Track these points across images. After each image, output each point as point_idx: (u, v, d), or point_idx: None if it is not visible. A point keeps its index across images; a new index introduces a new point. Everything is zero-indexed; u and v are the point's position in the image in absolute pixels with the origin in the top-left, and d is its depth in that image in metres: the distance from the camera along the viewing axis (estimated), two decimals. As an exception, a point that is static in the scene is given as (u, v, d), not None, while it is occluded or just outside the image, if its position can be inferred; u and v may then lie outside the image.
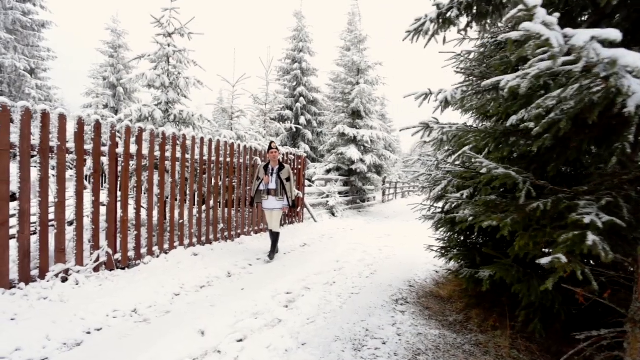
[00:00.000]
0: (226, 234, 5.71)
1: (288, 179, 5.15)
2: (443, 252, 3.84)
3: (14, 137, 3.02)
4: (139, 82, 5.84)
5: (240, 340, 2.59)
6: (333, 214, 10.83)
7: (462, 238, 3.65)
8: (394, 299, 3.70)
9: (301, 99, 16.02)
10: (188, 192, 4.92)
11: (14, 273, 3.07)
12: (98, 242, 3.75)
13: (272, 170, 5.12)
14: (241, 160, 6.00)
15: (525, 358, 2.48)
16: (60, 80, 20.79)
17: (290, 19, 17.61)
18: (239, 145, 5.92)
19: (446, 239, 3.89)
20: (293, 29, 17.05)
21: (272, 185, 5.06)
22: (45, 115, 3.21)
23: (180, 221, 4.83)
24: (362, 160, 12.26)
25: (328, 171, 12.86)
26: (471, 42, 3.61)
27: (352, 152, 12.00)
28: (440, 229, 3.75)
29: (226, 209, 5.73)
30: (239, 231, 6.03)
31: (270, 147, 5.12)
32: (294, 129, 14.74)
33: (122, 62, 20.18)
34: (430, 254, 4.19)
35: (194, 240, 5.08)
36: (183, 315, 3.00)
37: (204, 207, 5.23)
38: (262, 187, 5.11)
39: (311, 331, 2.81)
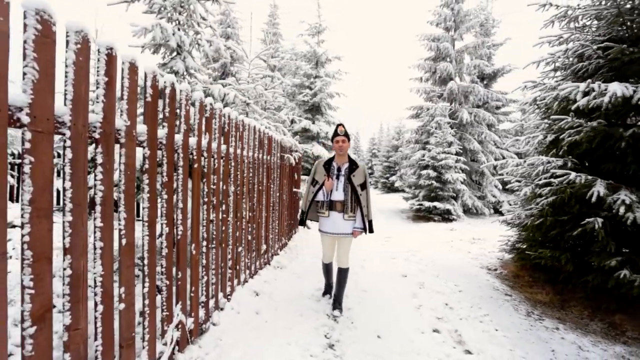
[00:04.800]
0: (265, 256, 4.20)
1: (363, 186, 3.16)
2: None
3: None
4: None
5: None
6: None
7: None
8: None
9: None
10: (245, 205, 3.32)
11: None
12: (172, 310, 2.05)
13: (339, 170, 3.19)
14: (274, 159, 4.52)
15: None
16: None
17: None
18: (270, 139, 4.41)
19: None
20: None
21: (339, 195, 3.12)
22: (111, 59, 1.47)
23: (239, 248, 3.23)
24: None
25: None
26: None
27: (318, 149, 11.09)
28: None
29: (263, 224, 4.21)
30: (272, 251, 4.55)
31: (336, 133, 3.14)
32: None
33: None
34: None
35: (247, 272, 3.50)
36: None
37: (245, 224, 3.67)
38: (320, 197, 3.21)
39: None
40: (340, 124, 3.15)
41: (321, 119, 11.80)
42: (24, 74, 1.11)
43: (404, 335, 2.87)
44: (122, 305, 1.60)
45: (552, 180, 3.58)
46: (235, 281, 3.17)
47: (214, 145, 2.56)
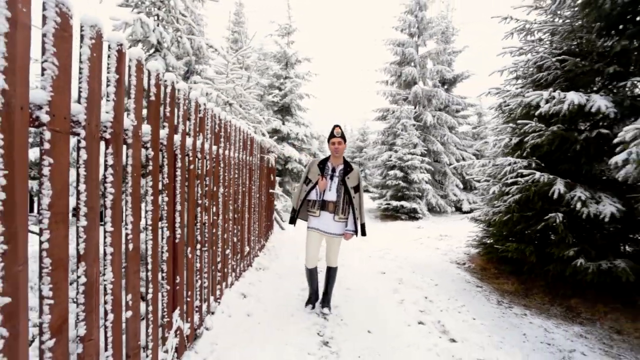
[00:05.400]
0: (248, 258, 4.15)
1: (357, 189, 3.15)
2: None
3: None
4: None
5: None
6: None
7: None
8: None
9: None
10: (231, 207, 3.26)
11: None
12: (172, 316, 1.98)
13: (334, 171, 3.17)
14: (254, 160, 4.46)
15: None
16: None
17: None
18: (252, 140, 4.35)
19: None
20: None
21: (332, 196, 3.10)
22: (121, 55, 1.41)
23: (227, 251, 3.16)
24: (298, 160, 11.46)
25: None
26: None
27: (289, 150, 11.06)
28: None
29: (246, 226, 4.15)
30: (253, 252, 4.50)
31: (332, 134, 3.11)
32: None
33: None
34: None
35: (233, 275, 3.44)
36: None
37: (232, 226, 3.61)
38: (313, 197, 3.19)
39: None
40: (337, 125, 3.12)
41: (291, 120, 11.80)
42: (43, 69, 1.04)
43: (393, 329, 2.99)
44: (130, 313, 1.53)
45: (518, 179, 3.91)
46: (224, 284, 3.11)
47: (207, 146, 2.50)
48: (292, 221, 3.28)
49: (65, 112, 1.12)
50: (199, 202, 2.40)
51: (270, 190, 6.27)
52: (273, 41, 11.46)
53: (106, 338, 1.38)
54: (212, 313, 2.76)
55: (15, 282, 0.93)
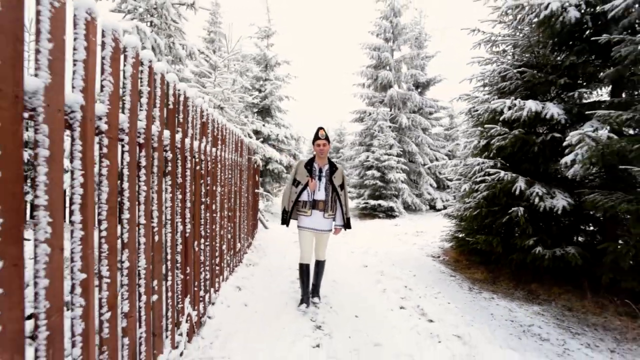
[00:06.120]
0: (239, 255, 4.34)
1: (342, 186, 3.42)
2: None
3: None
4: None
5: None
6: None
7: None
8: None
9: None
10: (226, 204, 3.46)
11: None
12: (184, 303, 2.18)
13: (320, 171, 3.38)
14: (243, 161, 4.67)
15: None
16: None
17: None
18: (242, 142, 4.56)
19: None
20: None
21: (321, 195, 3.32)
22: (151, 70, 1.62)
23: (224, 246, 3.36)
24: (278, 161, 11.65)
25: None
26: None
27: (269, 151, 11.23)
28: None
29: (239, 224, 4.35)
30: (243, 249, 4.69)
31: (317, 136, 3.31)
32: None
33: None
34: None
35: (228, 269, 3.64)
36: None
37: (227, 223, 3.80)
38: (304, 197, 3.35)
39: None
40: (321, 128, 3.30)
41: (271, 122, 11.96)
42: (102, 86, 1.25)
43: (377, 313, 3.31)
44: (155, 297, 1.74)
45: (486, 177, 4.36)
46: (221, 277, 3.31)
47: (208, 148, 2.71)
48: (285, 222, 3.37)
49: (116, 121, 1.33)
50: (203, 200, 2.60)
51: (256, 190, 6.46)
52: (253, 43, 11.57)
53: (140, 317, 1.59)
54: (213, 304, 2.96)
55: (87, 262, 1.14)
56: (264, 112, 12.02)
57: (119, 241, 1.42)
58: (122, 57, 1.37)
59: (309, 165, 3.36)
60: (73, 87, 1.09)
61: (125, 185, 1.42)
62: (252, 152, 5.56)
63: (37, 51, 0.92)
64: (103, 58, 1.25)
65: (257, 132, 11.32)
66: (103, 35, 1.25)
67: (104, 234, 1.26)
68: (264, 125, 11.64)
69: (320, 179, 3.35)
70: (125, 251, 1.42)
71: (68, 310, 1.09)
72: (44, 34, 0.92)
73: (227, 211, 3.60)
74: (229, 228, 3.69)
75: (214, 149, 2.90)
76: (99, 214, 1.26)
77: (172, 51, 3.87)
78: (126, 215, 1.42)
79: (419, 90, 15.05)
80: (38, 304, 0.93)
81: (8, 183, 0.81)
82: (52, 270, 0.96)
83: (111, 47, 1.27)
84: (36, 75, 0.92)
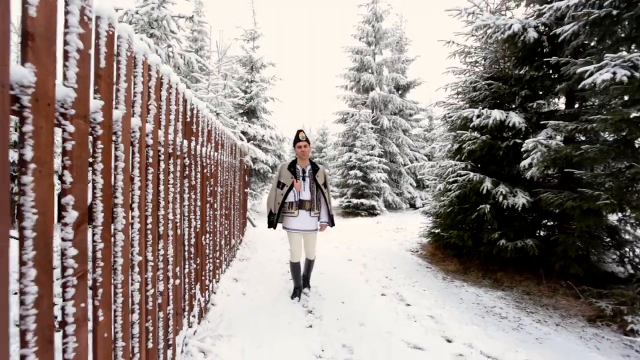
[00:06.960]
0: (233, 250, 4.66)
1: (325, 185, 3.59)
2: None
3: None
4: None
5: None
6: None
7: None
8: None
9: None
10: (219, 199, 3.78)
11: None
12: (196, 289, 2.51)
13: (304, 172, 3.55)
14: (236, 162, 4.97)
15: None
16: None
17: None
18: (235, 144, 4.87)
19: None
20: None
21: (306, 195, 3.47)
22: (177, 90, 1.94)
23: (222, 241, 3.68)
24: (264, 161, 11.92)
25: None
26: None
27: (256, 151, 11.48)
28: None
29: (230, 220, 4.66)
30: (236, 245, 5.01)
31: (298, 139, 3.47)
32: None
33: None
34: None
35: (225, 263, 3.96)
36: None
37: (224, 220, 4.12)
38: (291, 198, 3.47)
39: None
40: (301, 130, 3.47)
41: (257, 122, 12.20)
42: (149, 110, 1.57)
43: (361, 300, 3.72)
44: (177, 281, 2.07)
45: (458, 178, 4.86)
46: (220, 270, 3.63)
47: (212, 153, 3.03)
48: (272, 225, 3.50)
49: (157, 135, 1.65)
50: (208, 199, 2.92)
51: (246, 190, 6.76)
52: (239, 45, 11.77)
53: (168, 296, 1.91)
54: (215, 293, 3.28)
55: (141, 248, 1.47)
56: (250, 114, 12.25)
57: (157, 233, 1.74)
58: (160, 83, 1.70)
59: (292, 167, 3.50)
60: (133, 113, 1.41)
61: (161, 187, 1.74)
62: (242, 154, 5.86)
63: (117, 90, 1.25)
64: (149, 88, 1.57)
65: (243, 133, 11.54)
66: (149, 69, 1.57)
67: (149, 226, 1.59)
68: (249, 126, 11.86)
69: (304, 180, 3.50)
70: (160, 241, 1.75)
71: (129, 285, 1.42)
72: (122, 77, 1.25)
73: (225, 209, 3.92)
74: (226, 225, 4.01)
75: (215, 153, 3.22)
76: (146, 210, 1.58)
77: (170, 60, 4.13)
78: (162, 212, 1.75)
79: (400, 92, 15.65)
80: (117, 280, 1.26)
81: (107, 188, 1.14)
82: (125, 251, 1.29)
83: (155, 78, 1.59)
84: (116, 108, 1.25)
